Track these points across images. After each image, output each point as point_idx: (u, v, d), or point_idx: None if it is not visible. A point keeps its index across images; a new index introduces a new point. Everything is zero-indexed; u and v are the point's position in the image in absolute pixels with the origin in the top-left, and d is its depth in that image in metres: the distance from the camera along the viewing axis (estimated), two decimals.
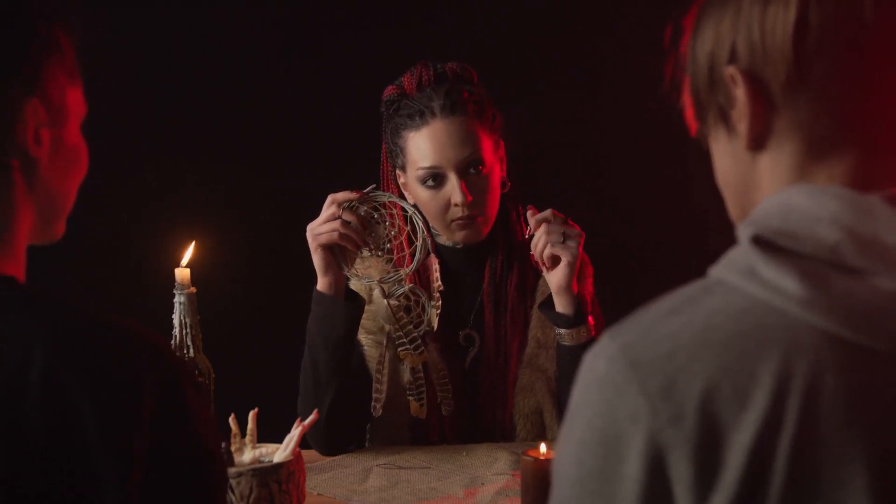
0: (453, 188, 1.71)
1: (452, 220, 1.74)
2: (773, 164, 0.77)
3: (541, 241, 1.68)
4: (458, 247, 1.81)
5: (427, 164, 1.72)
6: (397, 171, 1.81)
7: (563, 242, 1.67)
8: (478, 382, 1.81)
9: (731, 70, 0.76)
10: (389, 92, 1.78)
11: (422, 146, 1.72)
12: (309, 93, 2.66)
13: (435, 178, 1.73)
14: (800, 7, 0.73)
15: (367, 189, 1.68)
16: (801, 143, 0.75)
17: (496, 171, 1.77)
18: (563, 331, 1.71)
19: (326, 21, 2.68)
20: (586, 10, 2.66)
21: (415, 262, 1.67)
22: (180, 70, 2.60)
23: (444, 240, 1.82)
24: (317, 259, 1.70)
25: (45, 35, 0.90)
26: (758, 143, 0.77)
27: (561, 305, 1.70)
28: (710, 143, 0.82)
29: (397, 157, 1.78)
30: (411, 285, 1.72)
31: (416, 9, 2.66)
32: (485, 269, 1.82)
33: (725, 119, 0.78)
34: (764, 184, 0.78)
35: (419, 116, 1.72)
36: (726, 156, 0.81)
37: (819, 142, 0.74)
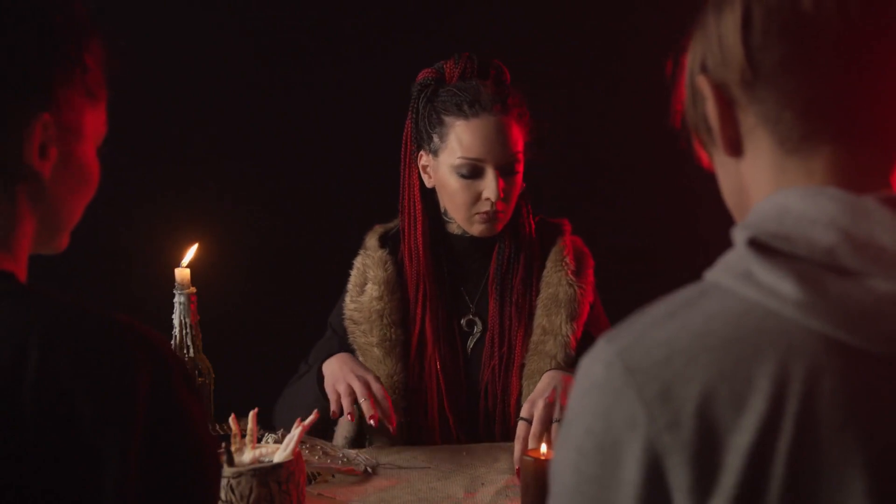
0: (489, 184, 1.74)
1: (477, 213, 1.77)
2: (753, 167, 0.78)
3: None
4: (466, 235, 1.83)
5: (471, 155, 1.74)
6: (420, 153, 1.83)
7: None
8: (479, 368, 1.82)
9: (699, 79, 0.79)
10: (426, 74, 1.80)
11: (467, 137, 1.74)
12: (311, 95, 2.66)
13: (472, 171, 1.75)
14: (743, 4, 0.75)
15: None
16: (774, 141, 0.76)
17: (521, 171, 1.80)
18: None
19: (328, 23, 2.68)
20: (588, 11, 2.66)
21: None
22: (182, 71, 2.60)
23: (454, 228, 1.85)
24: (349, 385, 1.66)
25: (69, 54, 0.90)
26: (734, 146, 0.78)
27: None
28: (713, 163, 0.84)
29: (429, 140, 1.79)
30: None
31: (416, 11, 2.66)
32: (490, 257, 1.85)
33: (710, 131, 0.80)
34: (750, 188, 0.79)
35: (469, 106, 1.74)
36: (719, 168, 0.82)
37: (789, 138, 0.75)
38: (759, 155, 0.77)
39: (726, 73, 0.76)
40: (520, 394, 1.79)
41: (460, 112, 1.75)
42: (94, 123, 0.95)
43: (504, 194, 1.75)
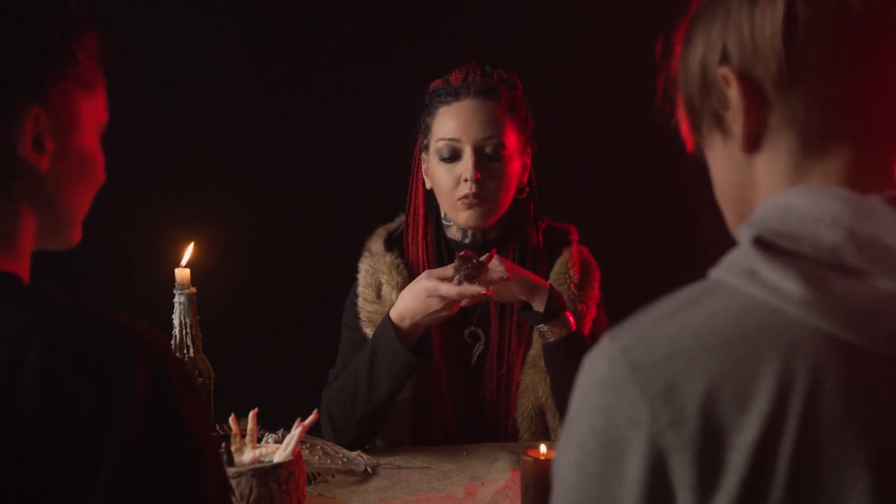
0: (466, 163, 1.74)
1: (459, 199, 1.76)
2: (770, 164, 0.77)
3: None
4: (467, 241, 1.82)
5: (448, 135, 1.76)
6: (423, 156, 1.84)
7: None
8: (481, 380, 1.81)
9: (723, 70, 0.77)
10: (435, 84, 1.82)
11: (447, 120, 1.77)
12: (311, 95, 2.66)
13: (451, 153, 1.76)
14: (787, 1, 0.73)
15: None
16: (796, 140, 0.75)
17: (515, 166, 1.78)
18: (542, 327, 1.71)
19: (328, 23, 2.68)
20: (588, 11, 2.66)
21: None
22: (183, 71, 2.60)
23: (454, 233, 1.84)
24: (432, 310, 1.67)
25: (56, 45, 0.89)
26: (753, 142, 0.77)
27: (536, 305, 1.71)
28: (707, 154, 0.82)
29: (426, 136, 1.81)
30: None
31: (416, 11, 2.66)
32: None
33: (720, 123, 0.79)
34: (761, 186, 0.78)
35: (454, 95, 1.77)
36: (722, 161, 0.81)
37: (813, 137, 0.74)
38: (778, 153, 0.76)
39: (758, 68, 0.75)
40: (517, 407, 1.78)
41: (445, 101, 1.77)
42: (93, 112, 0.94)
43: (483, 177, 1.73)
